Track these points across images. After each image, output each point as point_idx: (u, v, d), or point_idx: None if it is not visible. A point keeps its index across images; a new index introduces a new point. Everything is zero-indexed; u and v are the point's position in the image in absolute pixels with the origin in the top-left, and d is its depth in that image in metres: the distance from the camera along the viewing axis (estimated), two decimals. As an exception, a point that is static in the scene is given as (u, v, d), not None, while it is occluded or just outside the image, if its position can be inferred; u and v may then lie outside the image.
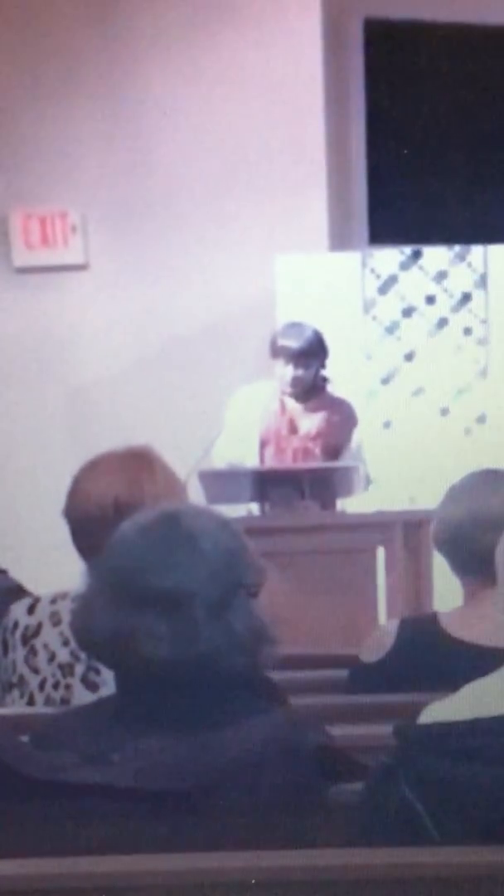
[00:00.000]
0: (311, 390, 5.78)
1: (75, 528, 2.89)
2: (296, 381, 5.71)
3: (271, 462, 5.76)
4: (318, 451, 5.77)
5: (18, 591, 3.14)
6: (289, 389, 5.74)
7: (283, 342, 5.70)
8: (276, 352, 5.73)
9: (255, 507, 5.53)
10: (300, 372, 5.70)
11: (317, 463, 5.70)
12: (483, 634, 2.77)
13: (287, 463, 5.73)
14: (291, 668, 2.79)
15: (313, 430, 5.80)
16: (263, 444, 5.79)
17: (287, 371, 5.70)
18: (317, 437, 5.79)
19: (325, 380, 5.81)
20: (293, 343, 5.68)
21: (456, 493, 2.89)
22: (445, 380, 6.55)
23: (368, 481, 5.70)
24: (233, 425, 5.78)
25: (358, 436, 5.83)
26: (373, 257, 6.65)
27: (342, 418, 5.81)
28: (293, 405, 5.80)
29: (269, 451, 5.80)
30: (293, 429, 5.81)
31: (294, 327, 5.77)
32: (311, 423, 5.80)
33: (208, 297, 6.81)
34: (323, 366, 5.78)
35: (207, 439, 5.65)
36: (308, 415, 5.80)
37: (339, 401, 5.85)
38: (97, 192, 6.90)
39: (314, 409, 5.80)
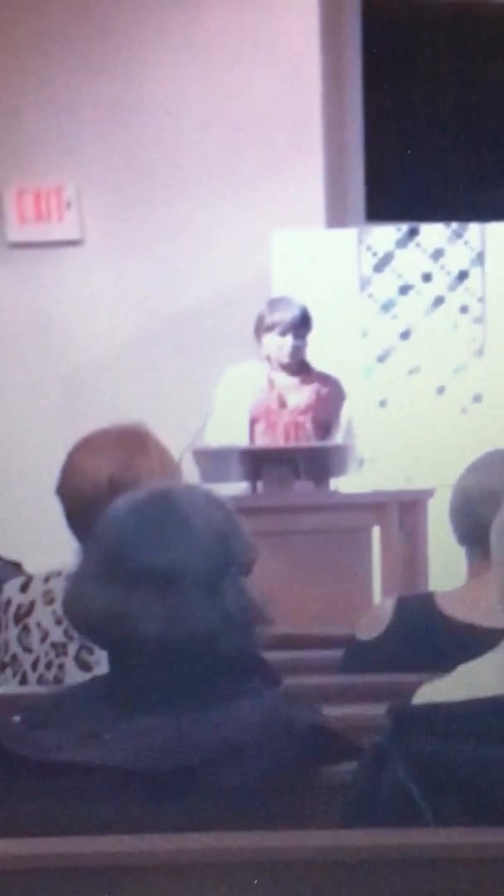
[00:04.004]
0: (301, 364, 5.79)
1: (68, 507, 2.88)
2: (295, 351, 5.72)
3: (262, 438, 5.75)
4: (308, 425, 5.77)
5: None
6: (286, 360, 5.75)
7: (276, 316, 5.71)
8: (268, 327, 5.72)
9: (244, 486, 5.50)
10: (298, 341, 5.72)
11: (312, 442, 5.69)
12: (479, 615, 2.77)
13: (278, 438, 5.73)
14: (285, 648, 2.78)
15: (303, 404, 5.80)
16: (254, 421, 5.79)
17: (285, 342, 5.71)
18: (307, 411, 5.79)
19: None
20: (288, 314, 5.70)
21: (472, 466, 2.90)
22: (441, 358, 6.53)
23: (361, 462, 5.70)
24: (223, 407, 5.77)
25: (347, 412, 5.82)
26: (369, 234, 6.62)
27: (331, 391, 5.82)
28: (282, 380, 5.80)
29: (260, 427, 5.79)
30: (282, 403, 5.80)
31: (283, 301, 5.82)
32: (300, 396, 5.80)
33: (204, 273, 6.79)
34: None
35: (203, 417, 5.63)
36: (297, 389, 5.80)
37: (327, 376, 5.86)
38: (92, 168, 6.88)
39: (303, 383, 5.80)
